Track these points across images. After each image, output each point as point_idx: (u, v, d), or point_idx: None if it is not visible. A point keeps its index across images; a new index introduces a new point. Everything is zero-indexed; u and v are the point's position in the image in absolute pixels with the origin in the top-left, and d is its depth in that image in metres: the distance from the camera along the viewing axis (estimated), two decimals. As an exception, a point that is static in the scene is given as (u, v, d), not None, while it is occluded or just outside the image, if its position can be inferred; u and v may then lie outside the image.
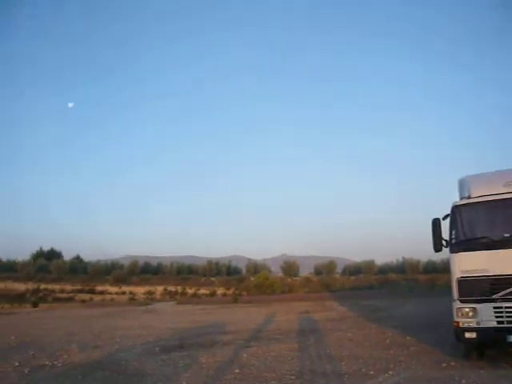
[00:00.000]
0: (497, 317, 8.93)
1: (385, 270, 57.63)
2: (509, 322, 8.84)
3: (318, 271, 71.18)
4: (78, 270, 77.13)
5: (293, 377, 8.98)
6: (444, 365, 9.44)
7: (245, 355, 11.62)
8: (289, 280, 54.16)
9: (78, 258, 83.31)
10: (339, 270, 77.60)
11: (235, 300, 36.55)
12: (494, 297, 8.97)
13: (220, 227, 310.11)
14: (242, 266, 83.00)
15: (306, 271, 79.11)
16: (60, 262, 77.63)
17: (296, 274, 69.84)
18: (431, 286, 37.65)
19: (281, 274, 66.47)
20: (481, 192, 9.83)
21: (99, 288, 58.37)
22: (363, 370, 9.35)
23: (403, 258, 57.34)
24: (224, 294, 47.44)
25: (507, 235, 9.20)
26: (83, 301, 45.20)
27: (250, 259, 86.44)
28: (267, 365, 10.29)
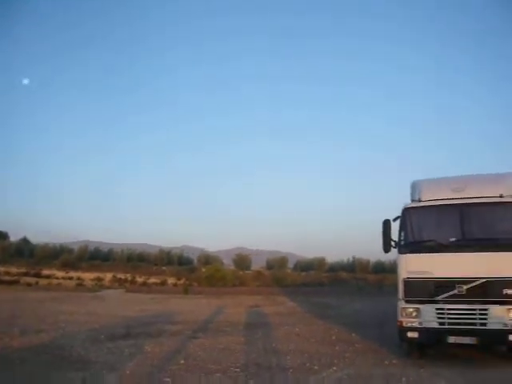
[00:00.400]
0: (439, 318, 9.23)
1: (335, 267, 58.54)
2: (450, 324, 9.15)
3: (269, 266, 71.57)
4: (25, 252, 74.96)
5: (237, 369, 9.01)
6: (386, 362, 9.68)
7: (191, 346, 11.59)
8: (240, 273, 54.25)
9: (24, 240, 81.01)
10: (291, 265, 78.27)
11: (186, 290, 36.31)
12: (437, 298, 9.27)
13: (174, 216, 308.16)
14: (195, 257, 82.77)
15: (258, 265, 79.48)
16: (6, 243, 75.24)
17: (248, 268, 70.05)
18: (380, 285, 38.44)
19: (232, 267, 66.56)
20: (431, 196, 10.13)
21: (46, 272, 56.82)
22: (308, 364, 9.49)
23: (353, 257, 58.27)
24: (175, 284, 46.97)
25: (453, 239, 9.51)
26: (28, 284, 43.87)
27: (202, 250, 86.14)
28: (213, 357, 10.29)
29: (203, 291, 35.75)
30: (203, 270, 51.36)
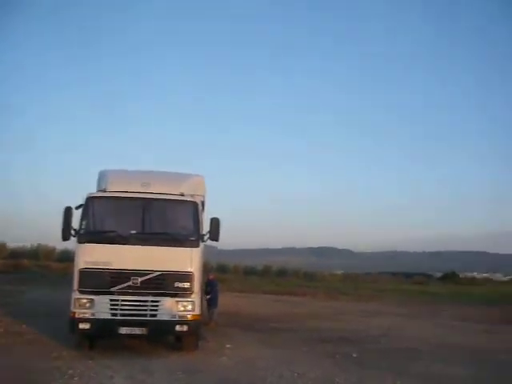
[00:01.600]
0: (112, 309, 9.47)
1: (17, 254, 54.40)
2: (122, 315, 9.50)
3: None
4: None
5: None
6: (54, 355, 9.51)
7: None
8: None
9: None
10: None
11: None
12: (112, 290, 9.47)
13: None
14: None
15: None
16: None
17: None
18: (64, 274, 37.32)
19: None
20: (117, 187, 10.29)
21: None
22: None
23: (39, 243, 55.05)
24: None
25: (133, 232, 9.86)
26: None
27: None
28: None
29: None
30: None
